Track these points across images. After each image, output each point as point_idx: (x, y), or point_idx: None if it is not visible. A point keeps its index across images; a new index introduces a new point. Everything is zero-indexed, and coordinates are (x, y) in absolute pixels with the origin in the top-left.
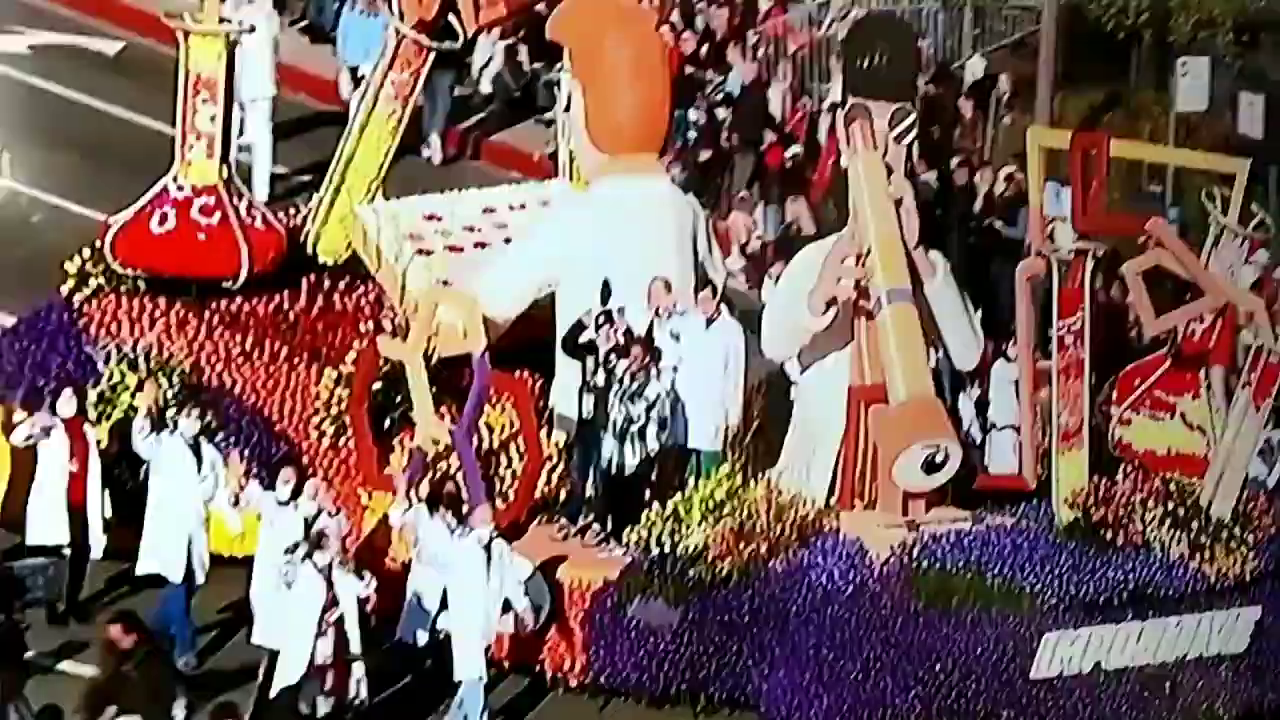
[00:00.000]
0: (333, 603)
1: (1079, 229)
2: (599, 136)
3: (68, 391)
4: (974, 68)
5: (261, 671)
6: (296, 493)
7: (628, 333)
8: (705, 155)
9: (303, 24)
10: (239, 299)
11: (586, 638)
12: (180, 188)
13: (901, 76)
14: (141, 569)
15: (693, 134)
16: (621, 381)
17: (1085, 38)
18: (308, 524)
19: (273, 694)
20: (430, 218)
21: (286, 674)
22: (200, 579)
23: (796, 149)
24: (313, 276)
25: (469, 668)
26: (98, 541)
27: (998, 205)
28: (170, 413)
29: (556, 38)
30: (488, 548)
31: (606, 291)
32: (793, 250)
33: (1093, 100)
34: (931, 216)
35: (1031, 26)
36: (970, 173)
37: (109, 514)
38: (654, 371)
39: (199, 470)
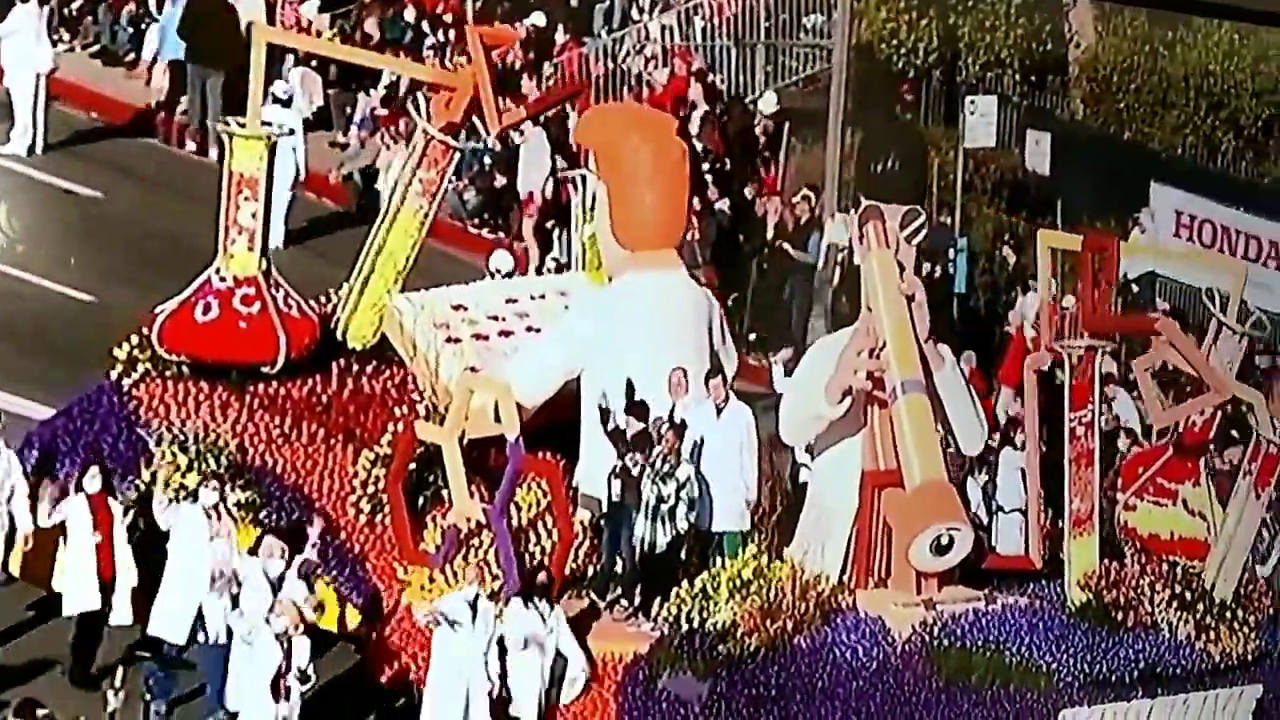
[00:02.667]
0: (289, 668)
1: (1088, 328)
2: (622, 233)
3: (94, 469)
4: (766, 102)
5: None
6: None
7: (658, 420)
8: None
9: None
10: (274, 383)
11: (620, 709)
12: (223, 279)
13: (913, 181)
14: (151, 630)
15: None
16: (654, 465)
17: (876, 75)
18: (273, 584)
19: None
20: (457, 307)
21: None
22: (218, 639)
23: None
24: (342, 361)
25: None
26: (126, 609)
27: (790, 232)
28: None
29: (582, 141)
30: (473, 604)
31: (631, 387)
32: None
33: None
34: (729, 241)
35: (823, 64)
36: (764, 201)
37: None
38: (683, 455)
39: (211, 540)
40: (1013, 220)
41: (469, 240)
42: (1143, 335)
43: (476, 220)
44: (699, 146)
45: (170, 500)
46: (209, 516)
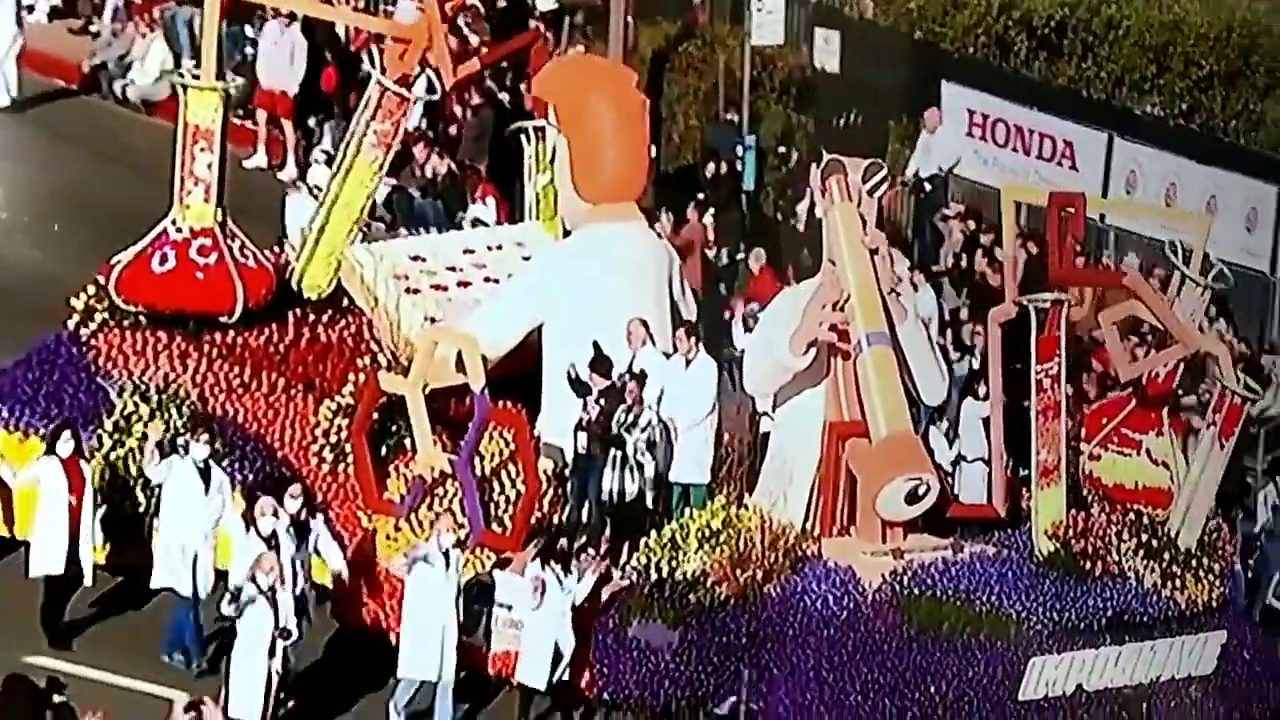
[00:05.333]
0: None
1: (1054, 280)
2: (583, 187)
3: (66, 433)
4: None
5: None
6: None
7: (622, 375)
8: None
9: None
10: (231, 332)
11: (589, 654)
12: (179, 230)
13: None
14: (155, 583)
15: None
16: (620, 416)
17: None
18: (268, 541)
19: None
20: (415, 258)
21: (246, 698)
22: (204, 593)
23: None
24: (298, 310)
25: (422, 667)
26: (89, 570)
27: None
28: (180, 440)
29: (543, 96)
30: (447, 554)
31: (598, 346)
32: None
33: (667, 32)
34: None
35: None
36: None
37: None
38: (646, 403)
39: (206, 493)
40: (801, 119)
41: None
42: (1110, 288)
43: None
44: (473, 40)
45: (161, 455)
46: (200, 469)
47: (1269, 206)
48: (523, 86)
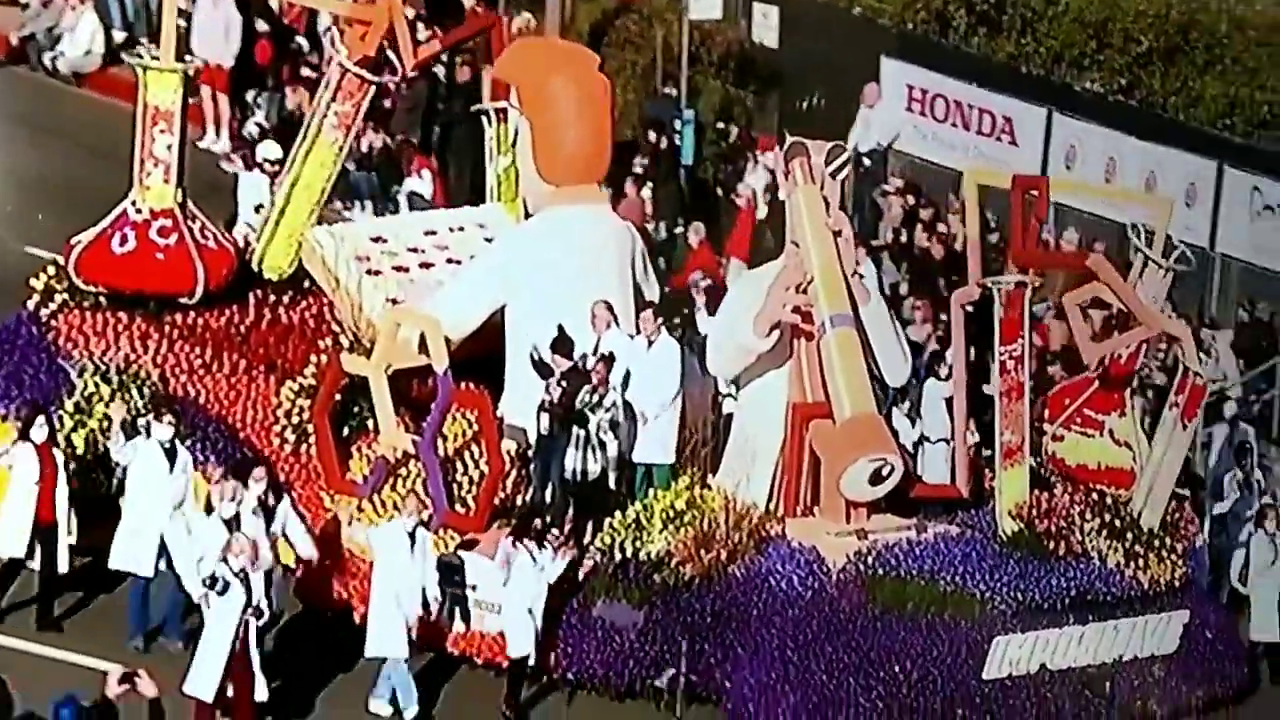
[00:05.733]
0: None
1: (1018, 264)
2: (546, 168)
3: (40, 418)
4: None
5: None
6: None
7: (583, 355)
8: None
9: None
10: (192, 314)
11: (554, 633)
12: (139, 210)
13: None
14: (113, 564)
15: None
16: (584, 397)
17: None
18: (228, 525)
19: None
20: (376, 239)
21: (201, 685)
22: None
23: None
24: (259, 291)
25: (389, 646)
26: (64, 557)
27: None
28: (142, 420)
29: (505, 78)
30: (412, 534)
31: (561, 330)
32: None
33: (605, 6)
34: (433, 106)
35: None
36: (474, 70)
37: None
38: (611, 383)
39: (170, 472)
40: (740, 93)
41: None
42: (1076, 272)
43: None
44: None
45: (126, 437)
46: (164, 450)
47: (1208, 182)
48: (459, 60)
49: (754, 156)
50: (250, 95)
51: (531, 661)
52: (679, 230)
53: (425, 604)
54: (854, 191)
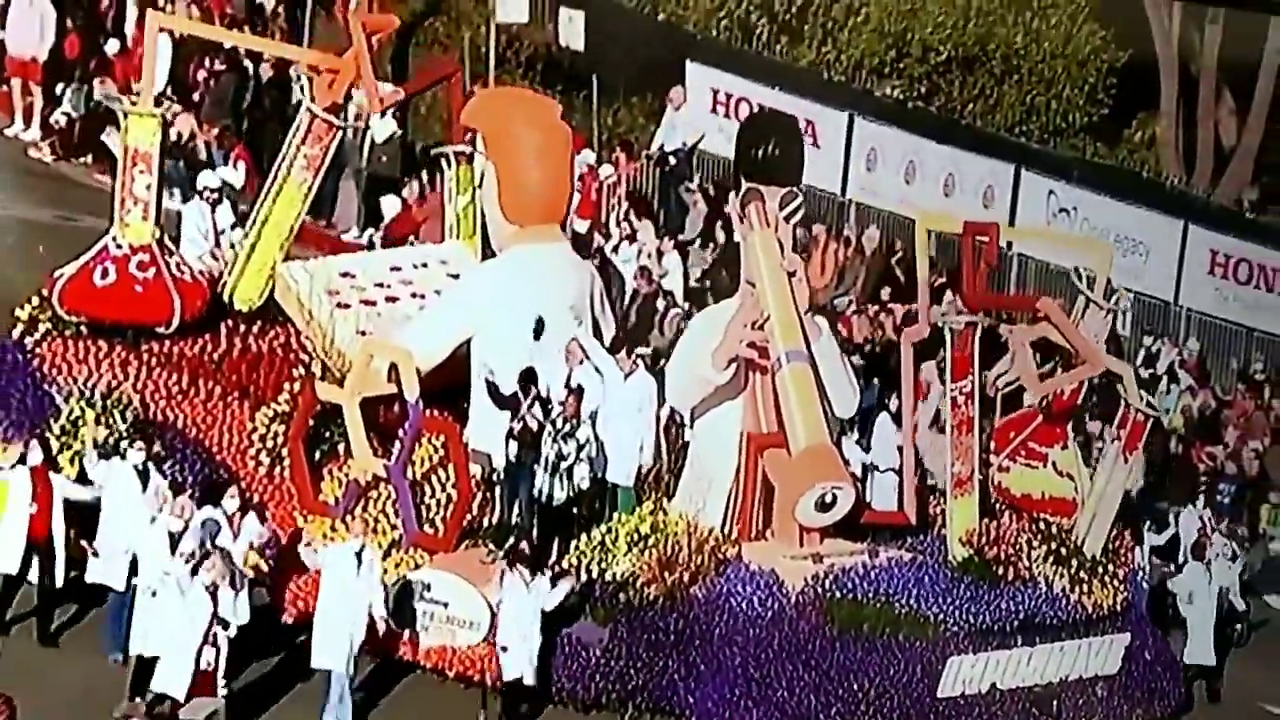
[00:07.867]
0: (217, 618)
1: (968, 306)
2: (510, 210)
3: (35, 444)
4: None
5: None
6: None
7: (546, 389)
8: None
9: None
10: (168, 342)
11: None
12: (119, 246)
13: (790, 164)
14: (90, 578)
15: None
16: (554, 424)
17: None
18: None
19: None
20: (345, 275)
21: (170, 682)
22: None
23: None
24: (230, 322)
25: (332, 659)
26: (60, 574)
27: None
28: (121, 443)
29: (472, 124)
30: (359, 554)
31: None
32: None
33: (413, 7)
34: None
35: None
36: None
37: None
38: (583, 416)
39: (144, 491)
40: (548, 93)
41: None
42: (1024, 311)
43: None
44: None
45: (101, 457)
46: (138, 471)
47: (1005, 183)
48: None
49: None
50: (59, 87)
51: (528, 682)
52: None
53: (371, 621)
54: (659, 188)
